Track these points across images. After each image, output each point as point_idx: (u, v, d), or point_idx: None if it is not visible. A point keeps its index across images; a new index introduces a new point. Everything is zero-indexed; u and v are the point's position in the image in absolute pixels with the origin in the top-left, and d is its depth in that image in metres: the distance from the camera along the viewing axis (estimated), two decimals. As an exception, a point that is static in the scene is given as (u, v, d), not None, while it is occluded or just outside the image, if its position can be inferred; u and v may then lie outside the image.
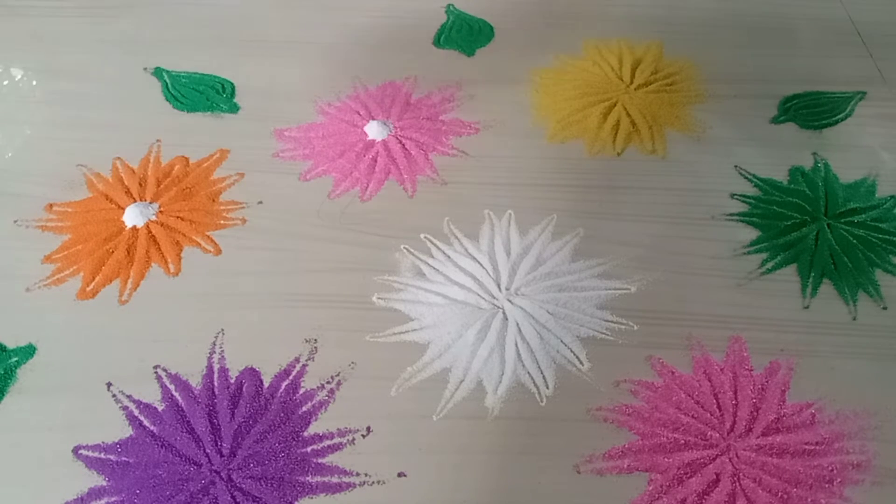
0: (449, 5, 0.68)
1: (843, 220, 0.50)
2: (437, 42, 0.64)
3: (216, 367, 0.42)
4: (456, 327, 0.44)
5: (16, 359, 0.43)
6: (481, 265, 0.47)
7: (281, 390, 0.41)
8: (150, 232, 0.49)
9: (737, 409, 0.41)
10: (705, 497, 0.38)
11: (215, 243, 0.49)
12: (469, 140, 0.55)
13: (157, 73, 0.61)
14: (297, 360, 0.43)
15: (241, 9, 0.67)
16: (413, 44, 0.64)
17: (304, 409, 0.41)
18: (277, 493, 0.38)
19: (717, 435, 0.40)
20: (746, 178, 0.53)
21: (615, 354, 0.43)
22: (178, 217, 0.50)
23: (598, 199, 0.51)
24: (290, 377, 0.42)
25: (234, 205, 0.51)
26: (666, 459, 0.39)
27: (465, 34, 0.65)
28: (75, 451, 0.39)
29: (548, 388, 0.42)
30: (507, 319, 0.44)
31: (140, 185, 0.52)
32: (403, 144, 0.55)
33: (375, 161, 0.54)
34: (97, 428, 0.40)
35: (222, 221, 0.50)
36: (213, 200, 0.51)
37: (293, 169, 0.53)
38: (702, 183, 0.52)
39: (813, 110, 0.58)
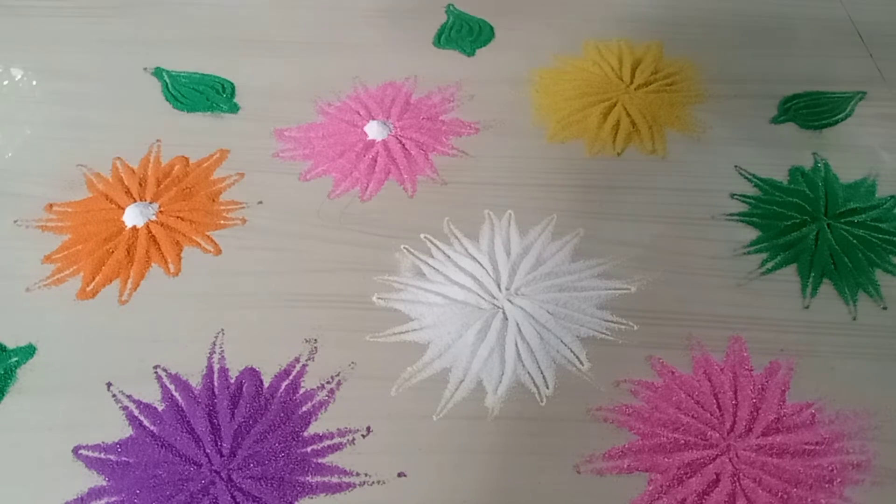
0: (449, 5, 0.68)
1: (843, 220, 0.50)
2: (437, 42, 0.64)
3: (216, 367, 0.42)
4: (456, 327, 0.44)
5: (16, 359, 0.43)
6: (481, 265, 0.47)
7: (281, 390, 0.41)
8: (150, 232, 0.49)
9: (737, 409, 0.41)
10: (705, 497, 0.38)
11: (215, 243, 0.49)
12: (469, 140, 0.55)
13: (157, 73, 0.61)
14: (297, 360, 0.43)
15: (241, 9, 0.67)
16: (413, 44, 0.64)
17: (304, 409, 0.41)
18: (277, 493, 0.38)
19: (717, 435, 0.40)
20: (746, 178, 0.53)
21: (615, 354, 0.43)
22: (178, 217, 0.50)
23: (598, 199, 0.51)
24: (290, 377, 0.42)
25: (234, 205, 0.51)
26: (666, 459, 0.39)
27: (465, 34, 0.65)
28: (75, 451, 0.39)
29: (548, 388, 0.42)
30: (507, 319, 0.44)
31: (140, 185, 0.52)
32: (403, 144, 0.55)
33: (375, 161, 0.54)
34: (97, 428, 0.40)
35: (222, 221, 0.50)
36: (213, 200, 0.51)
37: (293, 169, 0.53)
38: (702, 183, 0.52)
39: (813, 110, 0.58)
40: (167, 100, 0.58)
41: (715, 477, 0.38)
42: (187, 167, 0.53)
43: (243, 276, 0.47)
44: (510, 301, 0.45)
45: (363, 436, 0.40)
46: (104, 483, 0.38)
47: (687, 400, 0.41)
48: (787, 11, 0.67)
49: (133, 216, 0.50)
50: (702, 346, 0.43)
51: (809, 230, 0.49)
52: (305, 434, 0.40)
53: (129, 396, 0.41)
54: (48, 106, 0.58)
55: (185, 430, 0.40)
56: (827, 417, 0.40)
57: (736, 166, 0.53)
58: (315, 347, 0.43)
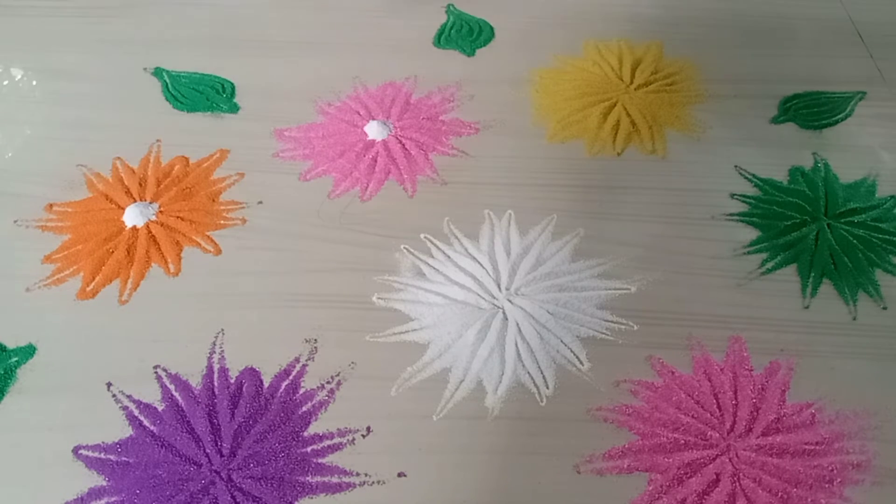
0: (449, 5, 0.68)
1: (843, 220, 0.50)
2: (437, 42, 0.64)
3: (216, 367, 0.42)
4: (456, 327, 0.44)
5: (16, 359, 0.43)
6: (481, 265, 0.47)
7: (281, 390, 0.41)
8: (150, 232, 0.49)
9: (737, 409, 0.41)
10: (705, 497, 0.38)
11: (215, 243, 0.49)
12: (469, 140, 0.55)
13: (157, 73, 0.61)
14: (297, 360, 0.43)
15: (241, 9, 0.67)
16: (413, 44, 0.64)
17: (304, 409, 0.41)
18: (277, 493, 0.38)
19: (717, 435, 0.40)
20: (746, 178, 0.53)
21: (615, 354, 0.43)
22: (178, 217, 0.50)
23: (598, 199, 0.51)
24: (290, 377, 0.42)
25: (234, 205, 0.51)
26: (666, 459, 0.39)
27: (465, 34, 0.65)
28: (75, 451, 0.39)
29: (548, 388, 0.42)
30: (507, 319, 0.44)
31: (140, 185, 0.52)
32: (403, 144, 0.55)
33: (375, 161, 0.54)
34: (97, 428, 0.40)
35: (222, 221, 0.50)
36: (213, 200, 0.51)
37: (293, 169, 0.53)
38: (702, 183, 0.52)
39: (813, 110, 0.58)
40: (167, 100, 0.58)
41: (715, 477, 0.38)
42: (187, 167, 0.53)
43: (243, 276, 0.47)
44: (510, 301, 0.45)
45: (363, 436, 0.40)
46: (104, 483, 0.38)
47: (687, 400, 0.41)
48: (787, 11, 0.67)
49: (133, 216, 0.50)
50: (702, 346, 0.43)
51: (809, 230, 0.49)
52: (305, 434, 0.40)
53: (129, 396, 0.41)
54: (48, 106, 0.58)
55: (185, 430, 0.40)
56: (827, 417, 0.40)
57: (736, 166, 0.53)
58: (315, 347, 0.43)
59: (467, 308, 0.45)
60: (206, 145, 0.55)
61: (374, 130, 0.55)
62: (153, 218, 0.50)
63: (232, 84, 0.60)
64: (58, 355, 0.43)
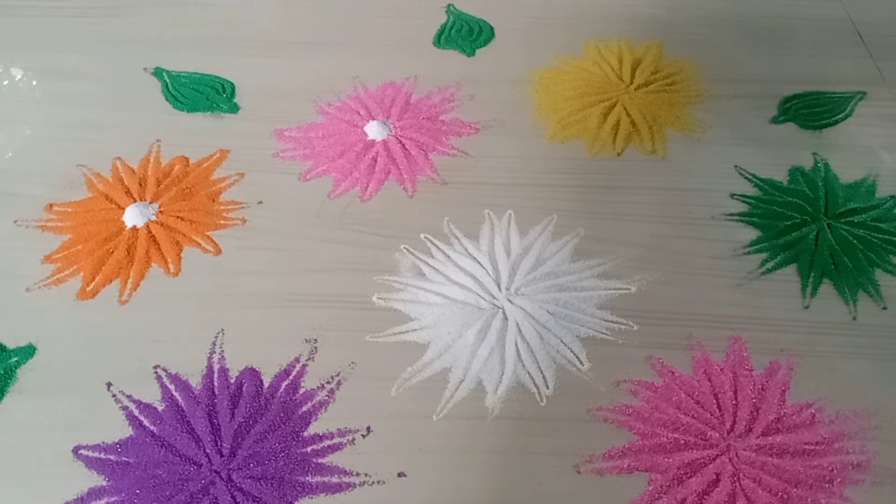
0: (449, 5, 0.68)
1: (843, 220, 0.50)
2: (437, 42, 0.64)
3: (216, 367, 0.42)
4: (456, 327, 0.44)
5: (16, 359, 0.43)
6: (481, 265, 0.47)
7: (281, 390, 0.41)
8: (150, 232, 0.49)
9: (737, 409, 0.41)
10: (705, 497, 0.38)
11: (215, 243, 0.49)
12: (469, 140, 0.55)
13: (157, 73, 0.61)
14: (297, 360, 0.43)
15: (241, 9, 0.67)
16: (413, 44, 0.64)
17: (304, 409, 0.41)
18: (277, 493, 0.38)
19: (717, 435, 0.40)
20: (746, 178, 0.53)
21: (615, 354, 0.43)
22: (178, 217, 0.50)
23: (598, 199, 0.51)
24: (290, 377, 0.42)
25: (234, 205, 0.51)
26: (666, 459, 0.39)
27: (465, 34, 0.65)
28: (75, 451, 0.39)
29: (548, 388, 0.42)
30: (507, 319, 0.44)
31: (140, 185, 0.52)
32: (403, 144, 0.55)
33: (375, 161, 0.54)
34: (97, 428, 0.40)
35: (222, 221, 0.50)
36: (213, 200, 0.51)
37: (293, 169, 0.53)
38: (702, 183, 0.52)
39: (813, 110, 0.58)
40: (167, 100, 0.58)
41: (715, 477, 0.38)
42: (187, 167, 0.53)
43: (243, 276, 0.47)
44: (510, 301, 0.45)
45: (363, 436, 0.40)
46: (104, 483, 0.38)
47: (687, 400, 0.41)
48: (787, 11, 0.67)
49: (133, 216, 0.50)
50: (702, 346, 0.43)
51: (809, 230, 0.49)
52: (305, 434, 0.40)
53: (129, 396, 0.41)
54: (48, 106, 0.58)
55: (185, 430, 0.40)
56: (827, 417, 0.40)
57: (736, 166, 0.53)
58: (315, 347, 0.43)
59: (467, 308, 0.45)
60: (206, 145, 0.55)
61: (374, 130, 0.55)
62: (153, 218, 0.50)
63: (232, 84, 0.60)
64: (58, 355, 0.43)
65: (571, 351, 0.43)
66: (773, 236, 0.49)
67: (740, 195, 0.52)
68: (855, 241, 0.49)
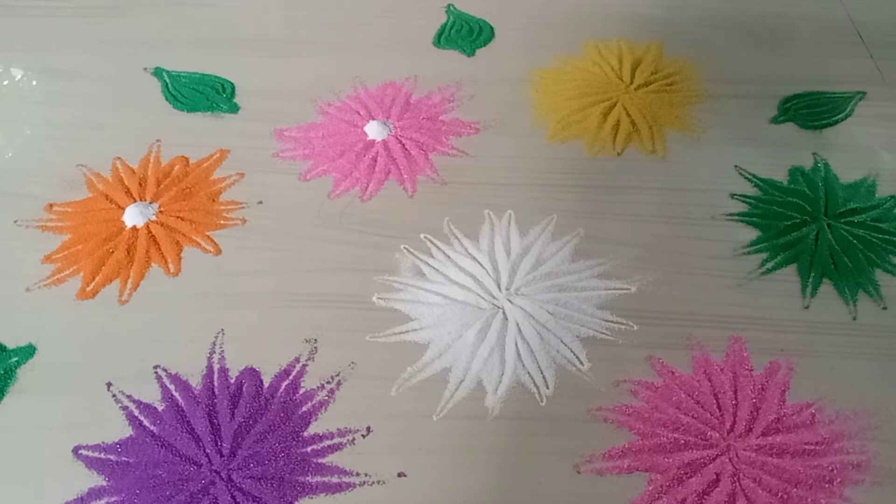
0: (449, 5, 0.68)
1: (843, 220, 0.50)
2: (437, 42, 0.64)
3: (216, 367, 0.42)
4: (456, 327, 0.44)
5: (16, 359, 0.43)
6: (481, 265, 0.47)
7: (281, 390, 0.41)
8: (150, 232, 0.49)
9: (737, 409, 0.41)
10: (705, 497, 0.38)
11: (215, 243, 0.49)
12: (469, 140, 0.55)
13: (157, 73, 0.61)
14: (297, 360, 0.43)
15: (241, 9, 0.67)
16: (413, 44, 0.64)
17: (304, 409, 0.41)
18: (277, 493, 0.38)
19: (717, 435, 0.40)
20: (746, 178, 0.53)
21: (615, 354, 0.43)
22: (178, 217, 0.50)
23: (598, 199, 0.51)
24: (290, 377, 0.42)
25: (234, 205, 0.51)
26: (666, 459, 0.39)
27: (465, 34, 0.65)
28: (75, 451, 0.39)
29: (548, 388, 0.42)
30: (507, 319, 0.44)
31: (140, 185, 0.52)
32: (403, 144, 0.55)
33: (375, 161, 0.54)
34: (97, 428, 0.40)
35: (222, 221, 0.50)
36: (213, 200, 0.51)
37: (293, 169, 0.53)
38: (702, 183, 0.52)
39: (813, 110, 0.58)
40: (167, 100, 0.58)
41: (715, 477, 0.38)
42: (187, 167, 0.53)
43: (243, 276, 0.47)
44: (510, 301, 0.45)
45: (363, 436, 0.40)
46: (104, 483, 0.38)
47: (687, 400, 0.41)
48: (787, 11, 0.67)
49: (133, 216, 0.50)
50: (702, 346, 0.43)
51: (809, 230, 0.49)
52: (305, 434, 0.40)
53: (129, 396, 0.41)
54: (48, 106, 0.58)
55: (185, 430, 0.40)
56: (827, 417, 0.40)
57: (736, 166, 0.53)
58: (315, 347, 0.43)
59: (467, 308, 0.45)
60: (206, 145, 0.55)
61: (374, 130, 0.55)
62: (153, 218, 0.50)
63: (232, 84, 0.60)
64: (58, 355, 0.43)
65: (571, 351, 0.43)
66: (773, 236, 0.49)
67: (740, 195, 0.52)
68: (855, 241, 0.49)
